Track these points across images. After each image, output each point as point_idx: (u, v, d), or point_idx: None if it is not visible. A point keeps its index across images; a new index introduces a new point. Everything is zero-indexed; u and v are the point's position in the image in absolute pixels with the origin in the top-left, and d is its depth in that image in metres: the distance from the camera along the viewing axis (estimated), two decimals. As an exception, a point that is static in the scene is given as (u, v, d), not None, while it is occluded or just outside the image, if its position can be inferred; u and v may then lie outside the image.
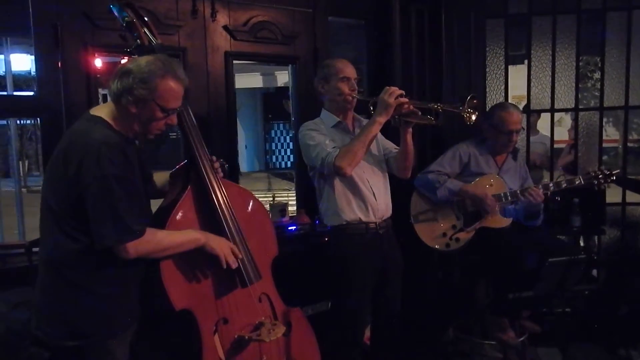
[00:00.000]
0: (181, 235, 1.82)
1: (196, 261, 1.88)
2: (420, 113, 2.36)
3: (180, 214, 1.89)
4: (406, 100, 2.31)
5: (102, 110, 1.74)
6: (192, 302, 1.88)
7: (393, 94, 2.28)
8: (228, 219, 1.96)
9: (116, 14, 1.93)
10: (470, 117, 2.33)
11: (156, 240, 1.73)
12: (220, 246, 1.88)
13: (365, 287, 2.47)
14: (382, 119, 2.31)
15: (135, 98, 1.67)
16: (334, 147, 2.37)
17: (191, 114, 1.98)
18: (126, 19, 1.90)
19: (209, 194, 1.94)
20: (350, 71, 2.48)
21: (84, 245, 1.65)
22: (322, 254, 2.53)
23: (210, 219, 1.93)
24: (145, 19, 1.93)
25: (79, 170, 1.60)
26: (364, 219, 2.44)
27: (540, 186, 2.87)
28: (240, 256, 1.94)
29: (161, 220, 1.85)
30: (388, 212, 2.54)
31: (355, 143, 2.33)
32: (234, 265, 1.91)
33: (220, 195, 1.96)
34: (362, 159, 2.40)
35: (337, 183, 2.43)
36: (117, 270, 1.71)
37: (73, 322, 1.69)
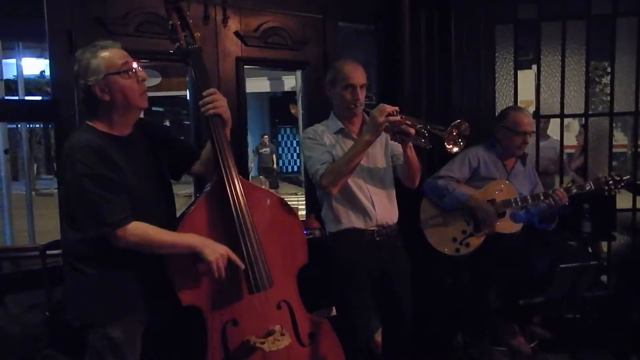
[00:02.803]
0: (176, 236, 1.84)
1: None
2: (414, 133, 2.24)
3: (196, 213, 1.90)
4: (397, 118, 2.20)
5: (91, 120, 1.86)
6: (200, 299, 1.88)
7: (383, 112, 2.19)
8: (242, 222, 1.92)
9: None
10: (452, 149, 2.15)
11: (143, 233, 1.79)
12: (216, 254, 1.83)
13: (362, 291, 2.46)
14: (371, 138, 2.24)
15: (97, 88, 1.77)
16: (323, 164, 2.34)
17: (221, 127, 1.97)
18: (170, 22, 1.94)
19: (227, 195, 1.91)
20: (357, 78, 2.40)
21: (82, 236, 1.78)
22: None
23: (226, 221, 1.91)
24: (190, 21, 1.96)
25: (65, 175, 1.77)
26: (360, 227, 2.44)
27: (540, 194, 2.88)
28: (242, 266, 1.90)
29: (180, 216, 1.92)
30: (390, 219, 2.51)
31: (340, 163, 2.30)
32: (217, 275, 1.83)
33: (238, 198, 1.92)
34: (366, 166, 2.40)
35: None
36: (114, 258, 1.79)
37: (78, 304, 1.85)
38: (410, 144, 2.34)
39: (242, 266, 1.90)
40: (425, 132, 2.23)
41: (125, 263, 1.82)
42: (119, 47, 1.84)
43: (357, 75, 2.41)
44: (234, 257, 1.88)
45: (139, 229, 1.78)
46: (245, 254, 1.91)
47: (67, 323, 1.87)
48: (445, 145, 2.15)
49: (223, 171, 1.92)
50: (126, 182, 1.80)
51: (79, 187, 1.73)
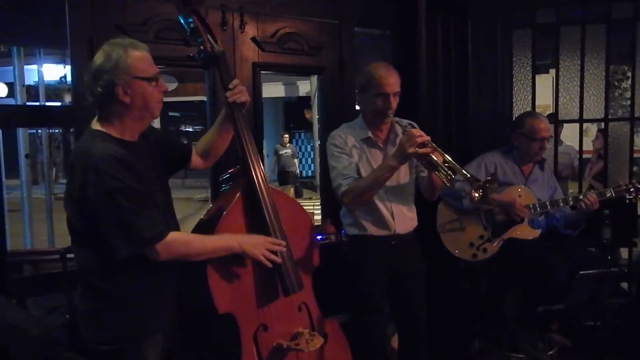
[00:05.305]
0: (215, 240, 1.82)
1: (242, 265, 1.88)
2: (441, 165, 2.13)
3: (229, 219, 1.88)
4: (427, 150, 2.10)
5: (100, 122, 1.75)
6: (235, 306, 1.87)
7: (414, 143, 2.08)
8: (276, 227, 1.94)
9: (182, 21, 1.96)
10: (474, 195, 2.08)
11: (186, 242, 1.75)
12: (258, 247, 1.85)
13: (375, 295, 2.46)
14: (396, 165, 2.19)
15: (120, 87, 1.68)
16: (346, 178, 2.32)
17: (245, 117, 1.99)
18: (191, 25, 1.92)
19: (259, 201, 1.91)
20: (390, 86, 2.31)
21: (103, 255, 1.67)
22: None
23: (257, 226, 1.92)
24: (208, 23, 1.95)
25: (83, 189, 1.63)
26: (376, 234, 2.45)
27: (570, 198, 2.85)
28: (282, 248, 1.91)
29: (210, 225, 1.88)
30: (407, 228, 2.51)
31: (363, 185, 2.29)
32: (279, 260, 1.88)
33: (269, 203, 1.93)
34: (389, 178, 2.34)
35: None
36: (141, 275, 1.72)
37: (104, 327, 1.73)
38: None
39: (283, 244, 1.91)
40: (451, 173, 2.12)
41: (150, 280, 1.74)
42: (146, 50, 1.76)
43: (391, 83, 2.32)
44: (272, 239, 1.88)
45: (181, 239, 1.74)
46: (279, 254, 1.92)
47: (87, 347, 1.75)
48: (471, 192, 2.10)
49: (254, 177, 1.93)
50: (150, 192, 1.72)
51: (110, 203, 1.60)
